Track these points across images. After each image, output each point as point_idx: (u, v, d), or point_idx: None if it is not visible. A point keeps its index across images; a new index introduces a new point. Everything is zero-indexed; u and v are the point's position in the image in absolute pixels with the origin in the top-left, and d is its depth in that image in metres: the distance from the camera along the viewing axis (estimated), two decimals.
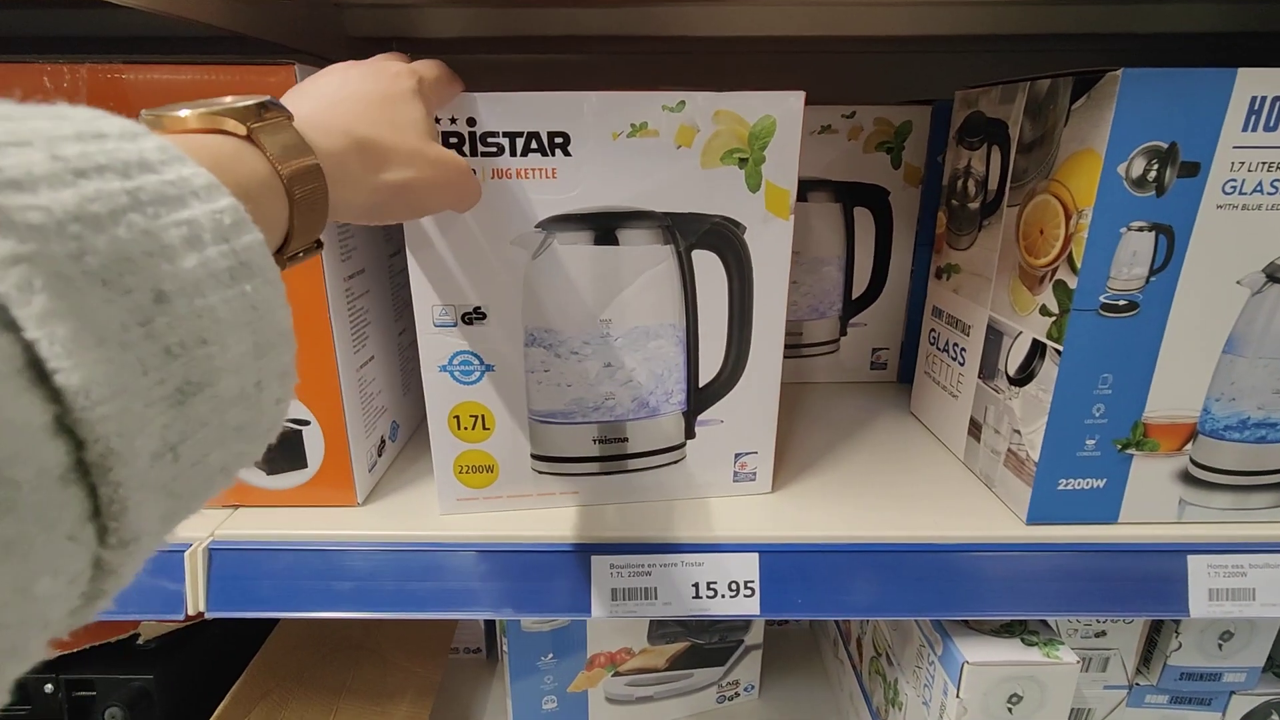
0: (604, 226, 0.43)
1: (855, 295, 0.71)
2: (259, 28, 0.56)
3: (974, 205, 0.54)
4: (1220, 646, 0.53)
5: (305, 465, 0.48)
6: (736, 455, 0.50)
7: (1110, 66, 0.39)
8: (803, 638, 0.82)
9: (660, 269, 0.45)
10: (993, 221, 0.51)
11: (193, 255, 0.17)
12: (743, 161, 0.42)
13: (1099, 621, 0.55)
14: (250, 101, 0.25)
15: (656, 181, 0.42)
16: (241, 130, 0.24)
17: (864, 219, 0.69)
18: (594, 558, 0.46)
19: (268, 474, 0.49)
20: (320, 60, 0.67)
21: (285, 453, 0.48)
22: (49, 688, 0.49)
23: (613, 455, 0.48)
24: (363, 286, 0.50)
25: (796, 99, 0.42)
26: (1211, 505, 0.47)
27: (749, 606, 0.46)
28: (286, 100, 0.31)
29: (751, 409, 0.48)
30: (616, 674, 0.67)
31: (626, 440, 0.48)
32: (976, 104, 0.53)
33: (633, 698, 0.69)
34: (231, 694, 0.54)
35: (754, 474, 0.50)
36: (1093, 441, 0.45)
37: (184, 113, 0.24)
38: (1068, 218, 0.43)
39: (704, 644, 0.69)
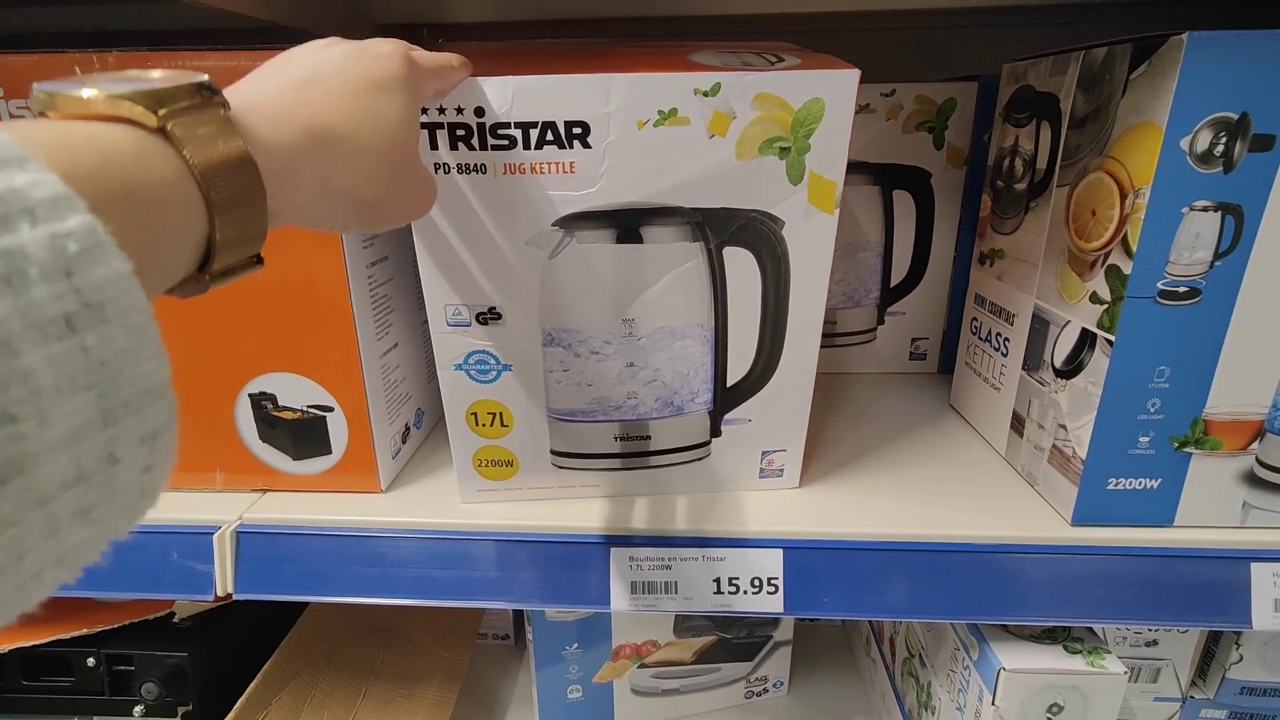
0: (627, 224, 0.41)
1: (894, 283, 0.68)
2: (289, 16, 0.56)
3: (1021, 186, 0.50)
4: None
5: (330, 451, 0.49)
6: (764, 453, 0.48)
7: (1174, 30, 0.36)
8: (834, 635, 0.80)
9: (688, 267, 0.43)
10: (1041, 203, 0.48)
11: (2, 301, 0.13)
12: (784, 151, 0.39)
13: (1150, 630, 0.52)
14: (174, 83, 0.20)
15: (686, 175, 0.39)
16: (151, 120, 0.19)
17: (904, 202, 0.66)
18: (614, 550, 0.45)
19: (294, 459, 0.49)
20: None
21: (310, 439, 0.48)
22: (91, 661, 0.51)
23: (635, 452, 0.47)
24: (386, 274, 0.50)
25: (849, 78, 0.38)
26: (1279, 509, 0.43)
27: (772, 604, 0.44)
28: (245, 81, 0.26)
29: (782, 408, 0.46)
30: (642, 666, 0.67)
31: (649, 438, 0.47)
32: (1025, 77, 0.50)
33: (659, 690, 0.68)
34: (263, 673, 0.55)
35: (781, 470, 0.49)
36: (1146, 439, 0.42)
37: (86, 93, 0.19)
38: (1123, 197, 0.39)
39: (731, 639, 0.68)
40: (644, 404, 0.46)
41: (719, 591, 0.44)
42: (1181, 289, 0.39)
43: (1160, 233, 0.38)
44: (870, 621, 0.72)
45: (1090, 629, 0.47)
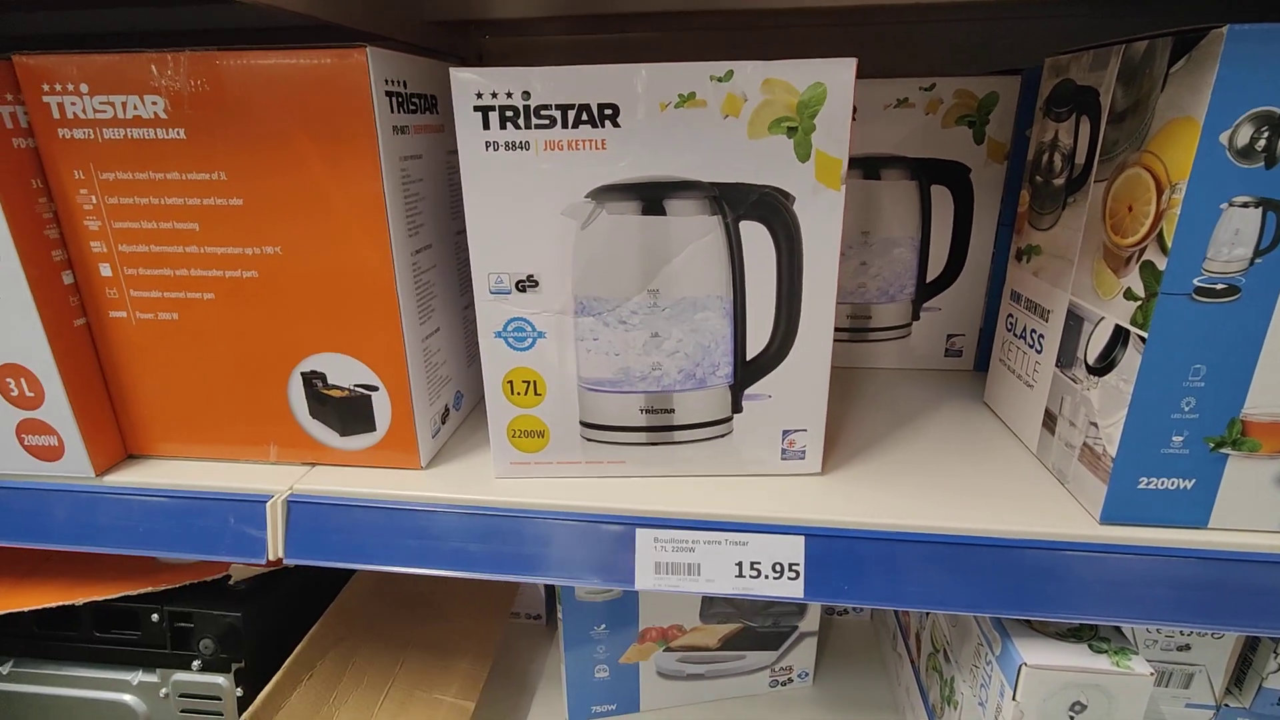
0: (651, 197, 0.43)
1: (930, 278, 0.68)
2: (342, 15, 0.59)
3: (1059, 181, 0.50)
4: None
5: (374, 428, 0.52)
6: (785, 432, 0.49)
7: (1214, 24, 0.35)
8: (861, 628, 0.80)
9: (707, 240, 0.44)
10: (1078, 198, 0.47)
11: None
12: (791, 130, 0.41)
13: (1182, 634, 0.51)
14: None
15: (704, 152, 0.42)
16: None
17: (942, 198, 0.65)
18: (639, 530, 0.47)
19: (340, 435, 0.52)
20: (400, 45, 0.70)
21: (356, 416, 0.51)
22: (155, 617, 0.56)
23: (659, 426, 0.49)
24: (430, 261, 0.52)
25: (847, 66, 0.40)
26: None
27: (793, 589, 0.45)
28: None
29: (801, 385, 0.48)
30: (668, 649, 0.68)
31: (673, 411, 0.48)
32: (1067, 71, 0.50)
33: (684, 674, 0.70)
34: (308, 637, 0.58)
35: (803, 452, 0.49)
36: (1180, 438, 0.42)
37: None
38: (1159, 192, 0.39)
39: (757, 627, 0.69)
40: (668, 375, 0.47)
41: (740, 575, 0.46)
42: (1219, 286, 0.39)
43: (1197, 228, 0.38)
44: (896, 616, 0.72)
45: (1118, 629, 0.47)
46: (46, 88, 0.45)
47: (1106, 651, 0.45)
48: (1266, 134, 0.36)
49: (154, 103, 0.45)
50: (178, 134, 0.45)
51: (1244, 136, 0.36)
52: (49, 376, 0.49)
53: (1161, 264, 0.39)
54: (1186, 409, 0.41)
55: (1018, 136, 0.62)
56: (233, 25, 0.76)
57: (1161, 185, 0.39)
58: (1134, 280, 0.41)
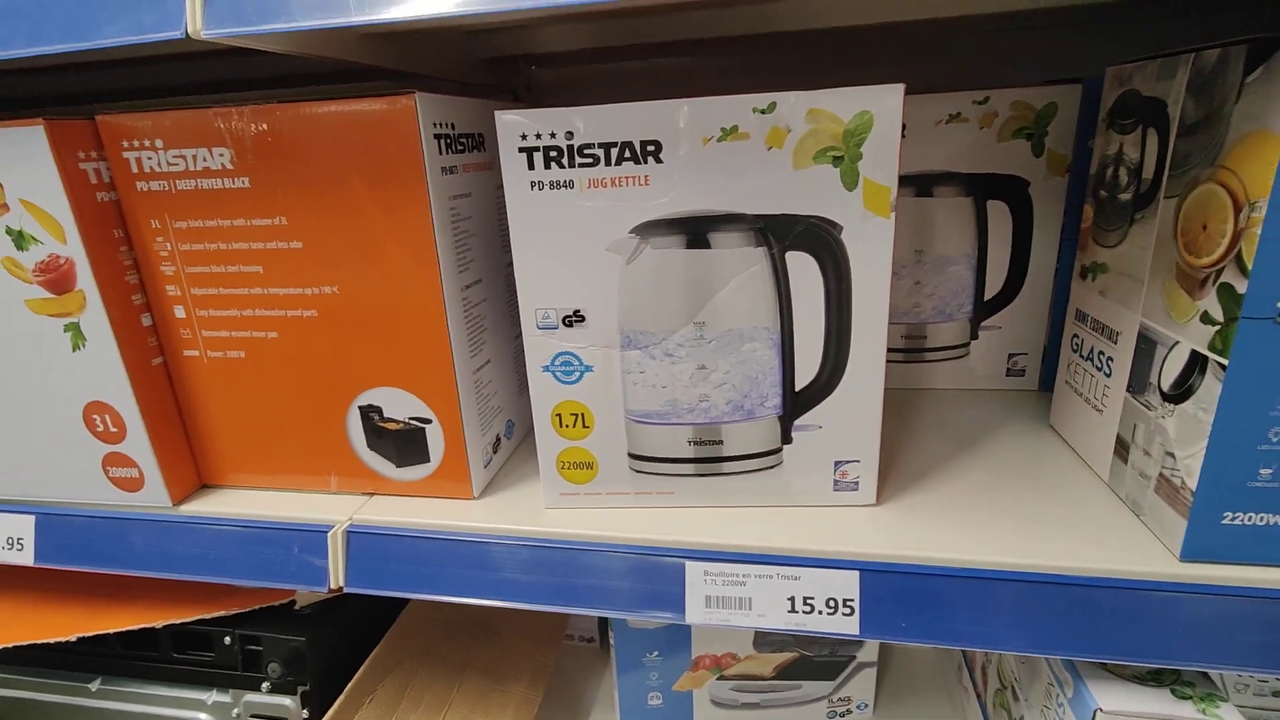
0: (696, 231, 0.43)
1: (988, 296, 0.65)
2: (393, 59, 0.61)
3: (1125, 196, 0.47)
4: None
5: (429, 460, 0.53)
6: (837, 463, 0.48)
7: None
8: (924, 657, 0.77)
9: (753, 271, 0.44)
10: (1147, 215, 0.45)
11: None
12: (838, 160, 0.41)
13: (1277, 679, 0.47)
14: None
15: (748, 184, 0.42)
16: None
17: (999, 213, 0.63)
18: (689, 563, 0.46)
19: (396, 466, 0.53)
20: (453, 83, 0.72)
21: (411, 448, 0.52)
22: (227, 639, 0.58)
23: (708, 457, 0.48)
24: (480, 295, 0.53)
25: (895, 93, 0.39)
26: None
27: (848, 626, 0.44)
28: None
29: (852, 415, 0.46)
30: (721, 678, 0.67)
31: (721, 443, 0.48)
32: (1131, 81, 0.47)
33: (738, 703, 0.69)
34: (369, 661, 0.60)
35: (856, 483, 0.48)
36: (1269, 471, 0.39)
37: None
38: (1237, 210, 0.37)
39: (813, 656, 0.67)
40: (715, 407, 0.47)
41: (793, 610, 0.45)
42: None
43: (1279, 250, 0.35)
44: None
45: (1204, 673, 0.43)
46: (126, 144, 0.48)
47: (1191, 698, 0.42)
48: None
49: (221, 154, 0.47)
50: (243, 182, 0.48)
51: None
52: (130, 413, 0.52)
53: (1241, 286, 0.36)
54: (1274, 440, 0.38)
55: (1079, 148, 0.60)
56: (283, 73, 0.80)
57: (1239, 202, 0.36)
58: (1211, 303, 0.39)
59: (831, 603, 0.44)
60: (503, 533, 0.49)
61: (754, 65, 0.80)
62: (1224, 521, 0.40)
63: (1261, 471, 0.39)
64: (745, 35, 0.67)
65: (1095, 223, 0.52)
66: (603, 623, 0.82)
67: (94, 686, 0.61)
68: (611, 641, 0.66)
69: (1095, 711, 0.42)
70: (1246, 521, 0.40)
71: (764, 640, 0.66)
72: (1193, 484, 0.40)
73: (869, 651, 0.68)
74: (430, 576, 0.50)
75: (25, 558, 0.57)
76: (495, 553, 0.49)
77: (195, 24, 0.38)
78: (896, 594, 0.43)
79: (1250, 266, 0.36)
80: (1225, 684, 0.45)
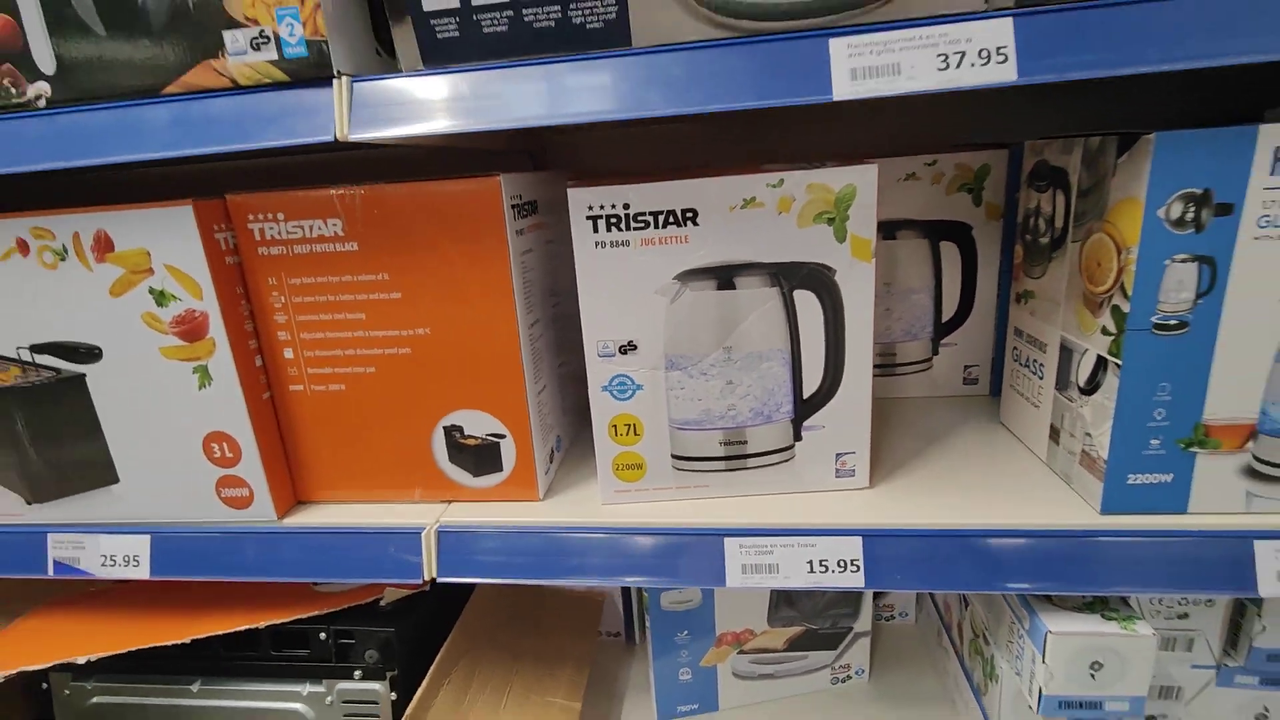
0: (724, 276, 0.56)
1: (945, 319, 0.80)
2: (482, 140, 0.72)
3: (1044, 240, 0.62)
4: None
5: (502, 469, 0.63)
6: (837, 455, 0.60)
7: (1146, 130, 0.48)
8: (908, 630, 0.90)
9: (769, 306, 0.56)
10: (1060, 255, 0.59)
11: None
12: (830, 220, 0.54)
13: (1180, 603, 0.60)
14: None
15: (764, 240, 0.54)
16: None
17: (950, 252, 0.77)
18: (726, 539, 0.58)
19: (474, 476, 0.64)
20: (479, 149, 0.84)
21: (488, 459, 0.63)
22: (322, 635, 0.67)
23: (735, 455, 0.60)
24: (539, 332, 0.65)
25: (871, 170, 0.53)
26: (1277, 497, 0.52)
27: (855, 580, 0.56)
28: None
29: (848, 416, 0.59)
30: (741, 652, 0.78)
31: (746, 443, 0.60)
32: (1042, 153, 0.62)
33: (756, 674, 0.80)
34: (444, 648, 0.69)
35: (853, 470, 0.61)
36: (1157, 441, 0.53)
37: None
38: (1119, 252, 0.51)
39: (817, 629, 0.79)
40: (740, 414, 0.59)
41: (812, 571, 0.56)
42: (1172, 322, 0.50)
43: (1149, 279, 0.49)
44: (940, 612, 0.81)
45: (1124, 600, 0.57)
46: (251, 217, 0.59)
47: (1115, 619, 0.55)
48: (1194, 208, 0.48)
49: (334, 224, 0.58)
50: (351, 246, 0.59)
51: (1177, 211, 0.48)
52: (246, 440, 0.62)
53: (1126, 307, 0.50)
54: (1159, 418, 0.52)
55: (1009, 199, 0.75)
56: (377, 157, 0.91)
57: (1120, 247, 0.51)
58: (1107, 319, 0.53)
59: (841, 563, 0.56)
60: (574, 524, 0.60)
61: (732, 124, 0.94)
62: (1129, 482, 0.54)
63: (1152, 442, 0.53)
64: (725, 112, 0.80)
65: (1024, 260, 0.66)
66: (628, 619, 0.92)
67: (195, 688, 0.69)
68: (645, 625, 0.76)
69: (1046, 634, 0.54)
70: (1145, 481, 0.54)
71: (776, 616, 0.77)
72: (1105, 455, 0.54)
73: (864, 622, 0.80)
74: (512, 564, 0.60)
75: (142, 572, 0.65)
76: (566, 541, 0.60)
77: (343, 130, 0.50)
78: (892, 553, 0.56)
79: (1130, 293, 0.50)
80: (1141, 608, 0.58)
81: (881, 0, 0.45)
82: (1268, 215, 0.47)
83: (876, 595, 0.89)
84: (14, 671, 0.64)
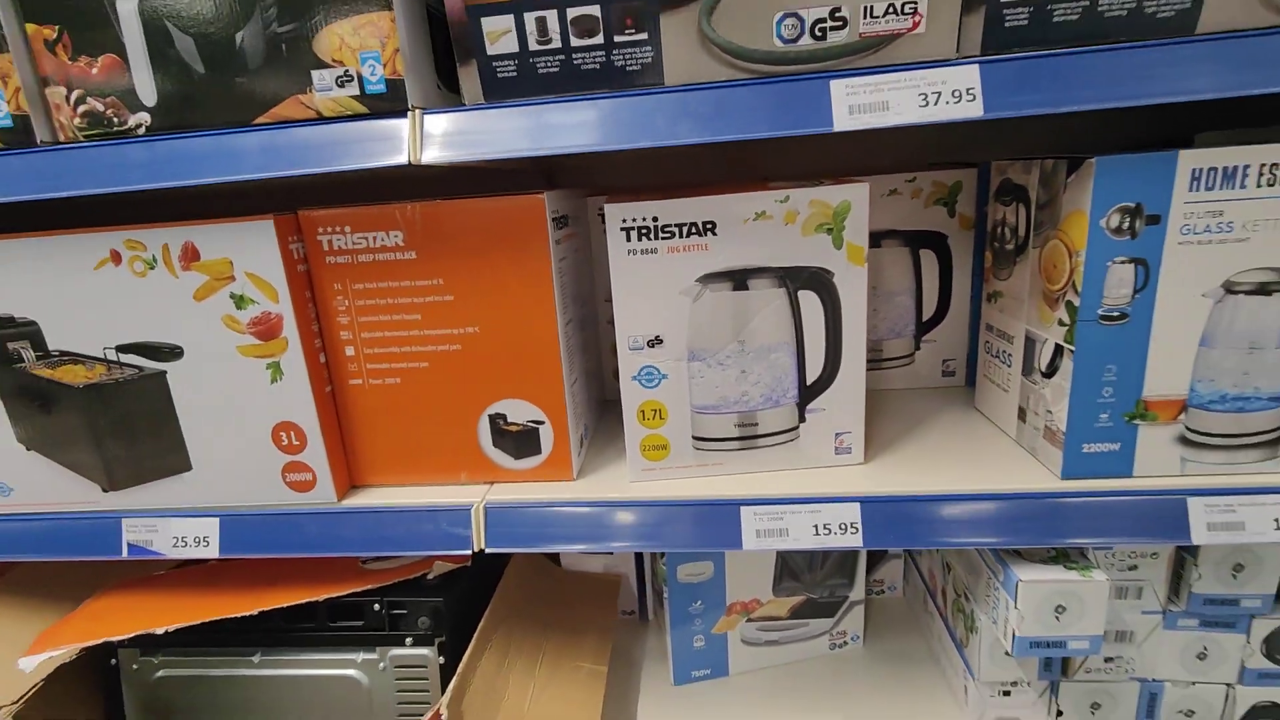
0: (739, 279, 0.65)
1: (925, 318, 0.89)
2: (507, 160, 0.80)
3: (1010, 247, 0.72)
4: (1234, 576, 0.67)
5: (540, 453, 0.71)
6: (837, 434, 0.69)
7: (1089, 155, 0.58)
8: (897, 602, 0.99)
9: (777, 304, 0.65)
10: (1023, 259, 0.69)
11: None
12: (829, 230, 0.63)
13: (1130, 556, 0.70)
14: None
15: (773, 247, 0.63)
16: None
17: (929, 258, 0.87)
18: (742, 508, 0.66)
19: (515, 459, 0.72)
20: (493, 162, 0.92)
21: (528, 444, 0.71)
22: (376, 606, 0.74)
23: (748, 435, 0.69)
24: (572, 330, 0.73)
25: (863, 188, 0.62)
26: (1206, 461, 0.62)
27: (855, 540, 0.65)
28: None
29: (845, 400, 0.68)
30: (749, 620, 0.87)
31: (757, 424, 0.69)
32: (1006, 172, 0.72)
33: (762, 641, 0.88)
34: (485, 617, 0.76)
35: (850, 448, 0.70)
36: (1106, 415, 0.62)
37: None
38: (1070, 256, 0.61)
39: (817, 598, 0.87)
40: (752, 399, 0.68)
41: (817, 534, 0.65)
42: (1115, 314, 0.60)
43: (1095, 278, 0.59)
44: (925, 580, 0.91)
45: (1082, 552, 0.66)
46: (321, 230, 0.67)
47: (1076, 568, 0.64)
48: (1129, 219, 0.58)
49: (396, 235, 0.66)
50: (410, 255, 0.67)
51: (1115, 221, 0.58)
52: (311, 429, 0.69)
53: (1077, 302, 0.60)
54: (1107, 395, 0.62)
55: (979, 211, 0.85)
56: (427, 175, 0.99)
57: (1071, 251, 0.61)
58: (1062, 313, 0.62)
59: (843, 526, 0.65)
60: (610, 499, 0.68)
61: (734, 147, 1.03)
62: (1084, 451, 0.63)
63: (1101, 416, 0.62)
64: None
65: (993, 264, 0.76)
66: (641, 598, 1.00)
67: (256, 659, 0.76)
68: (665, 595, 0.84)
69: (1018, 582, 0.64)
70: (1097, 449, 0.63)
71: (780, 586, 0.86)
72: (1063, 429, 0.63)
73: (858, 591, 0.88)
74: (552, 534, 0.68)
75: (211, 551, 0.72)
76: (601, 515, 0.68)
77: (416, 155, 0.58)
78: (886, 516, 0.65)
79: (1080, 289, 0.60)
80: (1096, 560, 0.68)
81: (871, 49, 0.54)
82: (1188, 224, 0.57)
83: (868, 570, 0.98)
84: (98, 641, 0.70)
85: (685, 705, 0.85)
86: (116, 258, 0.65)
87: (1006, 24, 0.54)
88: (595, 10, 0.55)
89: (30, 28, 0.60)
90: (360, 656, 0.75)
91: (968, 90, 0.53)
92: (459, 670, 0.69)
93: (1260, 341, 0.59)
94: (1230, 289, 0.58)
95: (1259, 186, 0.56)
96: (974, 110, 0.53)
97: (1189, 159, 0.56)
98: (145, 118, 0.61)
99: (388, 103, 0.58)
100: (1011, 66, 0.53)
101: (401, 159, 0.58)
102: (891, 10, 0.53)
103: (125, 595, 0.78)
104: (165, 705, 0.76)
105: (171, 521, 0.72)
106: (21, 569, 0.88)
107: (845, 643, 0.91)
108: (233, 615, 0.71)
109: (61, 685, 0.74)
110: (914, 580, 0.97)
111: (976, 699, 0.75)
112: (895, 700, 0.83)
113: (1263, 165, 0.55)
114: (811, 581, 0.87)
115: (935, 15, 0.53)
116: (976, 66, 0.53)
